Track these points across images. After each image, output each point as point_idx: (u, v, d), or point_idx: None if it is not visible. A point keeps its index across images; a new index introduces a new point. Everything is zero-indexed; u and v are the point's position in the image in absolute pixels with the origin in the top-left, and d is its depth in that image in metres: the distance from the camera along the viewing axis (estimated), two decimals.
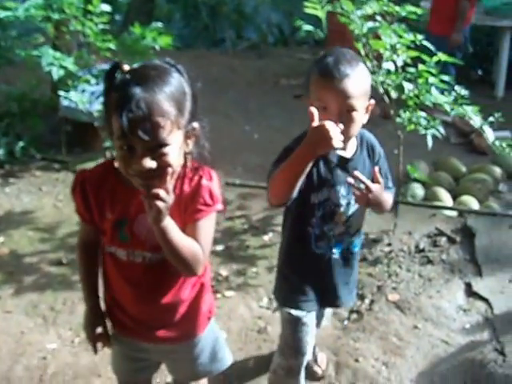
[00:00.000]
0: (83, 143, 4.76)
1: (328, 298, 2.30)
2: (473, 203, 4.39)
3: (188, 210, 1.71)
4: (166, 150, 1.58)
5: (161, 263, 1.76)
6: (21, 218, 3.90)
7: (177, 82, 1.62)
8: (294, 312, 2.26)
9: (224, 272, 3.39)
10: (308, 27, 3.76)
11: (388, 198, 2.16)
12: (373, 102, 2.06)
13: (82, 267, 1.97)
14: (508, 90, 7.04)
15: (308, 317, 2.27)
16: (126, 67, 1.63)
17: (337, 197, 2.13)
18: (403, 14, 3.92)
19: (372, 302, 3.19)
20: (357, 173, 2.02)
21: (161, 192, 1.54)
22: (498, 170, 4.99)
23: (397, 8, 3.92)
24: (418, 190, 4.58)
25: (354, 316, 3.10)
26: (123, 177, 1.66)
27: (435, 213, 4.00)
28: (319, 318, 2.52)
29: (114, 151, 1.69)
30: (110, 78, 1.63)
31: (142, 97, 1.53)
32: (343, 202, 2.14)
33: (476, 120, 3.70)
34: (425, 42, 3.80)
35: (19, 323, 3.02)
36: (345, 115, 1.94)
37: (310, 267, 2.22)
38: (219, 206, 1.74)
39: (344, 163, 2.09)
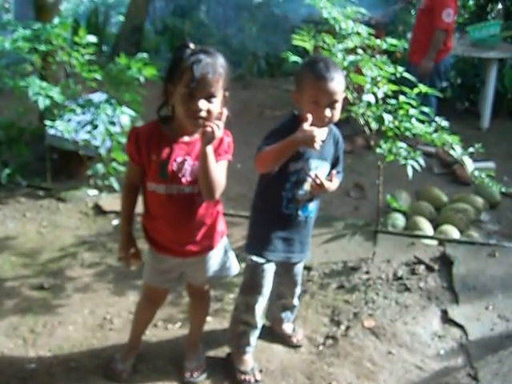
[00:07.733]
0: (68, 171, 4.82)
1: (286, 251, 2.81)
2: (454, 232, 4.39)
3: (214, 153, 2.33)
4: (214, 99, 2.29)
5: (191, 195, 2.43)
6: (4, 243, 3.92)
7: (223, 59, 2.34)
8: (254, 258, 2.77)
9: None
10: (295, 58, 3.86)
11: (335, 185, 2.73)
12: (344, 95, 2.63)
13: (124, 202, 2.58)
14: (494, 121, 7.10)
15: (266, 265, 2.78)
16: (192, 45, 2.31)
17: (309, 168, 2.67)
18: (384, 47, 4.03)
19: (348, 328, 3.21)
20: (316, 174, 2.63)
21: (213, 124, 2.22)
22: (479, 200, 5.00)
23: (377, 41, 4.02)
24: (399, 220, 4.58)
25: (329, 341, 3.12)
26: (166, 131, 2.40)
27: (414, 242, 4.01)
28: (288, 274, 2.98)
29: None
30: (179, 53, 2.29)
31: (208, 60, 2.26)
32: (313, 172, 2.66)
33: (457, 150, 3.77)
34: (405, 74, 3.88)
35: None
36: (331, 106, 2.53)
37: (278, 224, 2.75)
38: (229, 157, 2.45)
39: None
